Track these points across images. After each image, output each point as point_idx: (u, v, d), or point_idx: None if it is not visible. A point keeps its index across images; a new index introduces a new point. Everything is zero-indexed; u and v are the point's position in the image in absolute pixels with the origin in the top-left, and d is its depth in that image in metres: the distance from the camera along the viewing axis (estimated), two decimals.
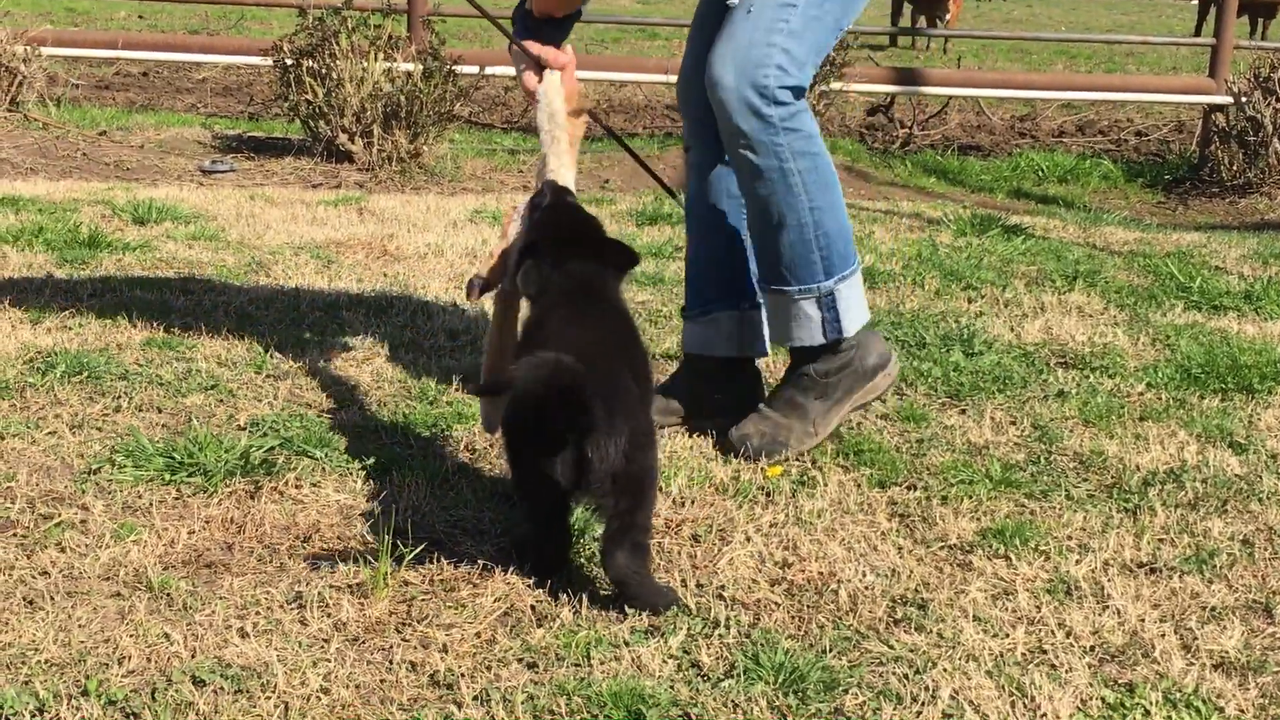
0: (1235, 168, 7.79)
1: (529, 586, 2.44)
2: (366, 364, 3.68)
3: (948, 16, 18.88)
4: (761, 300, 3.32)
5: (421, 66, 7.11)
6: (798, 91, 3.02)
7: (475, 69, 7.62)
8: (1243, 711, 2.13)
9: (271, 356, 3.66)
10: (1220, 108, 8.10)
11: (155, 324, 3.88)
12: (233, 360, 3.62)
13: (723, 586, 2.48)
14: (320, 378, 3.53)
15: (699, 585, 2.49)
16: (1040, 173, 8.25)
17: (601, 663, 2.18)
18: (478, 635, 2.27)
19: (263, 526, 2.64)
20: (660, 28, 17.63)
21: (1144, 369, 3.94)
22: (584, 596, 2.39)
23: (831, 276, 3.14)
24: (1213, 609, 2.47)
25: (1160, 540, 2.76)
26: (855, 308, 3.20)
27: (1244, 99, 7.73)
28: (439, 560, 2.52)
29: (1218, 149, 7.92)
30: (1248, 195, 7.76)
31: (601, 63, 9.45)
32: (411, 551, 2.47)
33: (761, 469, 3.06)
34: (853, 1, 3.14)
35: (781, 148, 3.00)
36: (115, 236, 4.94)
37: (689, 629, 2.31)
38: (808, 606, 2.42)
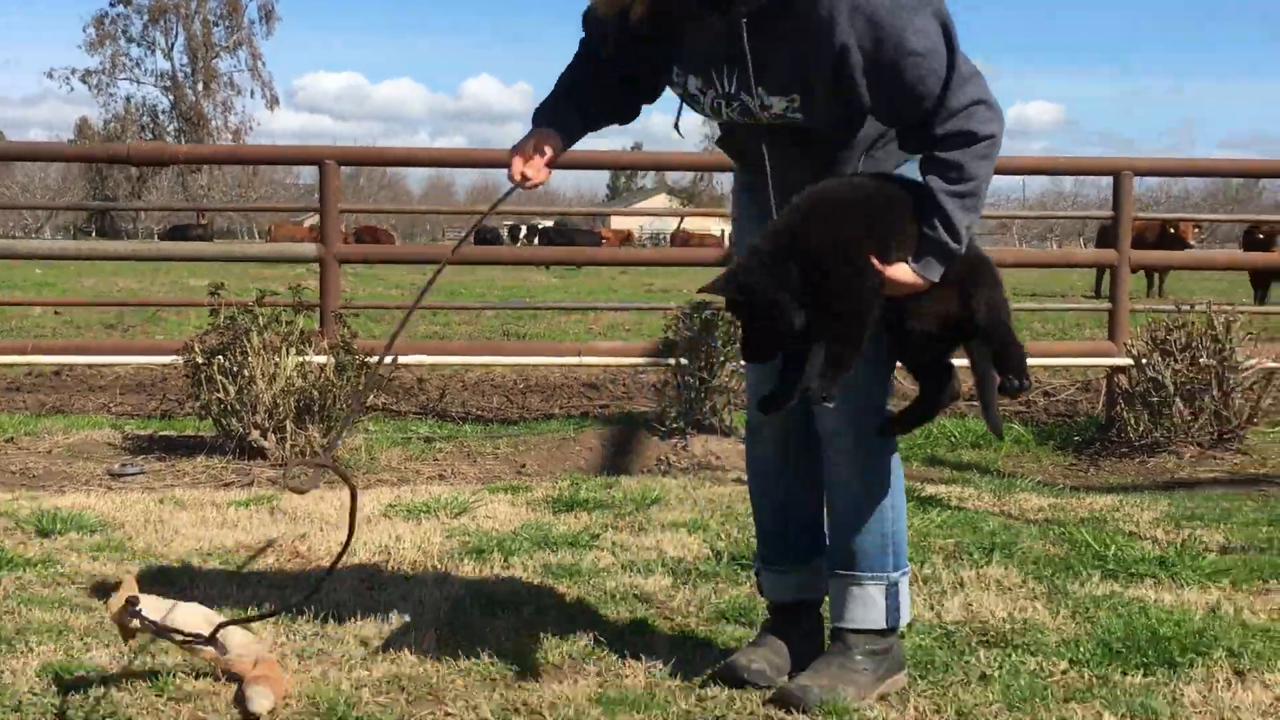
0: (1142, 428, 7.92)
1: None
2: None
3: None
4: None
5: (334, 360, 7.15)
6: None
7: (389, 359, 7.66)
8: None
9: (175, 676, 3.54)
10: (1122, 369, 8.29)
11: (53, 648, 3.76)
12: (132, 684, 3.49)
13: None
14: (225, 697, 3.41)
15: None
16: (953, 439, 8.34)
17: None
18: None
19: None
20: (573, 310, 17.97)
21: (1065, 644, 3.91)
22: None
23: (898, 570, 3.58)
24: None
25: None
26: (908, 602, 3.64)
27: (1143, 360, 7.92)
28: None
29: (1123, 410, 8.07)
30: (1156, 454, 7.87)
31: (519, 348, 9.57)
32: None
33: None
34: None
35: (875, 450, 3.50)
36: (17, 552, 4.82)
37: None
38: None
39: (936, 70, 3.05)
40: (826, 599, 3.74)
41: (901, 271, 3.19)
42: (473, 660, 3.74)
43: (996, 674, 3.66)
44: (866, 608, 3.55)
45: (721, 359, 7.79)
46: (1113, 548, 5.04)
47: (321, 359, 7.17)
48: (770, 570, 3.80)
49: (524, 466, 7.42)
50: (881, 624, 3.55)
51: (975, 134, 3.09)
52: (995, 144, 3.13)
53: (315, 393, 7.03)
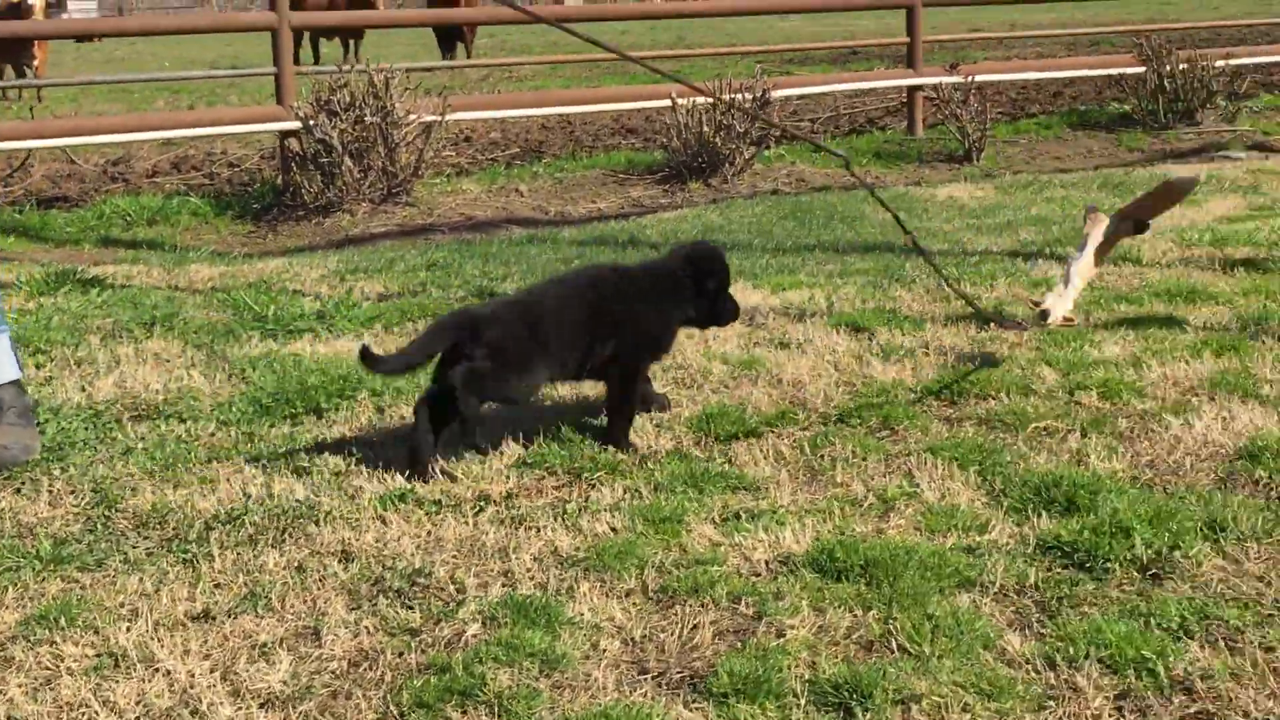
0: (316, 189, 8.03)
1: None
2: None
3: (35, 63, 18.08)
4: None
5: None
6: None
7: None
8: None
9: None
10: (292, 133, 8.32)
11: None
12: None
13: None
14: None
15: None
16: (128, 218, 8.06)
17: None
18: None
19: None
20: None
21: (218, 407, 3.92)
22: None
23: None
24: (263, 645, 2.47)
25: (216, 586, 2.73)
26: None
27: (311, 122, 7.98)
28: None
29: (296, 173, 8.13)
30: (331, 214, 8.03)
31: None
32: None
33: None
34: None
35: None
36: None
37: None
38: None
39: None
40: None
41: None
42: None
43: (141, 446, 3.60)
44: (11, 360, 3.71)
45: None
46: (273, 308, 5.09)
47: None
48: None
49: None
50: (17, 373, 3.71)
51: None
52: None
53: None
